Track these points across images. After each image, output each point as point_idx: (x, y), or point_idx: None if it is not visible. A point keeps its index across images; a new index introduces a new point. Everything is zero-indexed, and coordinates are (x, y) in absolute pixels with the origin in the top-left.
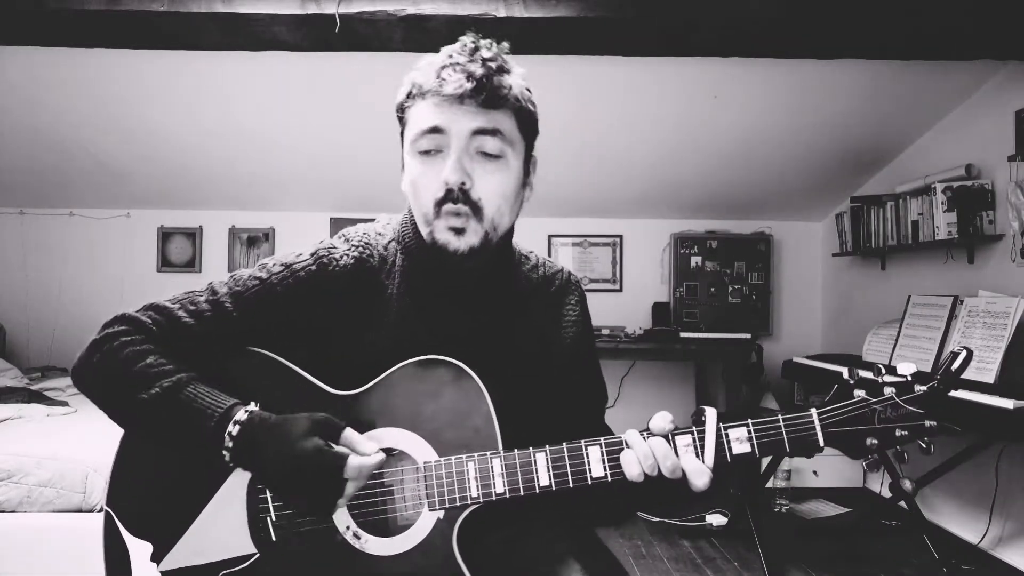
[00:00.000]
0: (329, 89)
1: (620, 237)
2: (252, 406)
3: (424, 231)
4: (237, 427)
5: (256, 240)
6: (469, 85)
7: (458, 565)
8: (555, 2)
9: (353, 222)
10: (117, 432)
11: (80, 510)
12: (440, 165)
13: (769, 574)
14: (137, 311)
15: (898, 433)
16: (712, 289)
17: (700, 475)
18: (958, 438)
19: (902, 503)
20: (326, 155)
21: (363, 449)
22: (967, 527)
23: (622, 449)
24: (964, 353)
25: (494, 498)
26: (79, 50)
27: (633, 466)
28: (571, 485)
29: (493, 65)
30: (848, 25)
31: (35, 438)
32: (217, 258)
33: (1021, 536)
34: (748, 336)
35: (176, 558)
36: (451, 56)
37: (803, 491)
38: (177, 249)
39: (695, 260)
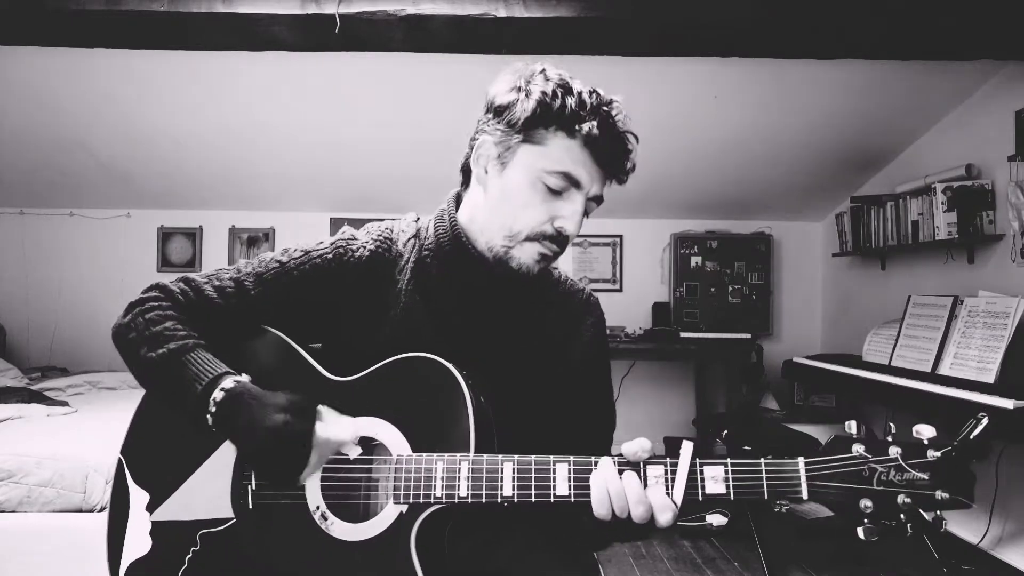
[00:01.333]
0: (329, 89)
1: (620, 237)
2: (242, 377)
3: (495, 241)
4: (223, 394)
5: (256, 240)
6: (618, 159)
7: (412, 562)
8: (555, 2)
9: (353, 222)
10: (117, 432)
11: (80, 510)
12: (557, 203)
13: (769, 574)
14: (171, 282)
15: (900, 500)
16: (712, 289)
17: (664, 511)
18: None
19: None
20: (326, 155)
21: (334, 424)
22: (967, 527)
23: (591, 470)
24: (985, 421)
25: (456, 501)
26: (79, 50)
27: (602, 507)
28: (533, 500)
29: (634, 141)
30: (848, 25)
31: (35, 438)
32: (217, 258)
33: (1021, 536)
34: (748, 336)
35: (166, 511)
36: (605, 109)
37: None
38: (177, 249)
39: (695, 260)
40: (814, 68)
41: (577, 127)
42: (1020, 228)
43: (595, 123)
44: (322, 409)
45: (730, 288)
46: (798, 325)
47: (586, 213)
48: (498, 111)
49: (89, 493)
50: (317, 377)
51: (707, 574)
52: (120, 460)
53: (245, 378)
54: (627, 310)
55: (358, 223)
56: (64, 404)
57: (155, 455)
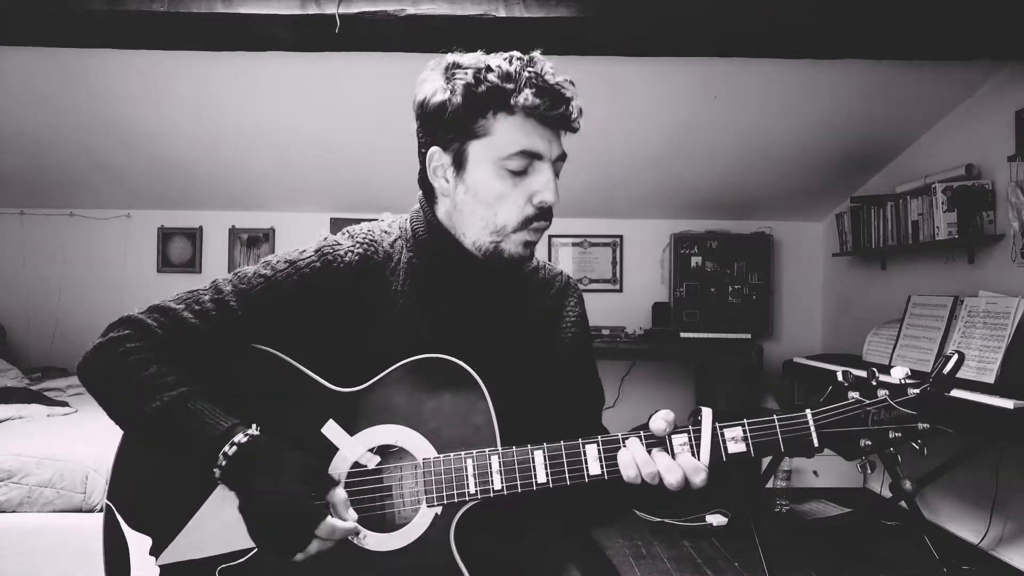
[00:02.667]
0: (329, 89)
1: (620, 237)
2: (253, 429)
3: (483, 239)
4: (234, 448)
5: (256, 240)
6: (565, 113)
7: (455, 561)
8: (555, 2)
9: (353, 222)
10: (117, 433)
11: (80, 510)
12: (527, 181)
13: (769, 574)
14: (141, 313)
15: (891, 435)
16: (712, 289)
17: (697, 473)
18: (958, 438)
19: (902, 503)
20: (326, 155)
21: (342, 513)
22: (967, 527)
23: (619, 448)
24: (956, 356)
25: (492, 495)
26: (79, 50)
27: (630, 468)
28: (568, 483)
29: (570, 86)
30: (848, 25)
31: (35, 438)
32: (217, 258)
33: (1021, 536)
34: (748, 336)
35: (175, 552)
36: (530, 71)
37: (803, 491)
38: (177, 249)
39: (695, 260)
40: (814, 68)
41: (512, 102)
42: (1020, 228)
43: (528, 90)
44: (337, 490)
45: (730, 288)
46: (798, 325)
47: (557, 174)
48: (432, 118)
49: (89, 493)
50: (323, 391)
51: (707, 574)
52: (109, 506)
53: (255, 430)
54: (627, 310)
55: (358, 223)
56: (64, 404)
57: (150, 495)
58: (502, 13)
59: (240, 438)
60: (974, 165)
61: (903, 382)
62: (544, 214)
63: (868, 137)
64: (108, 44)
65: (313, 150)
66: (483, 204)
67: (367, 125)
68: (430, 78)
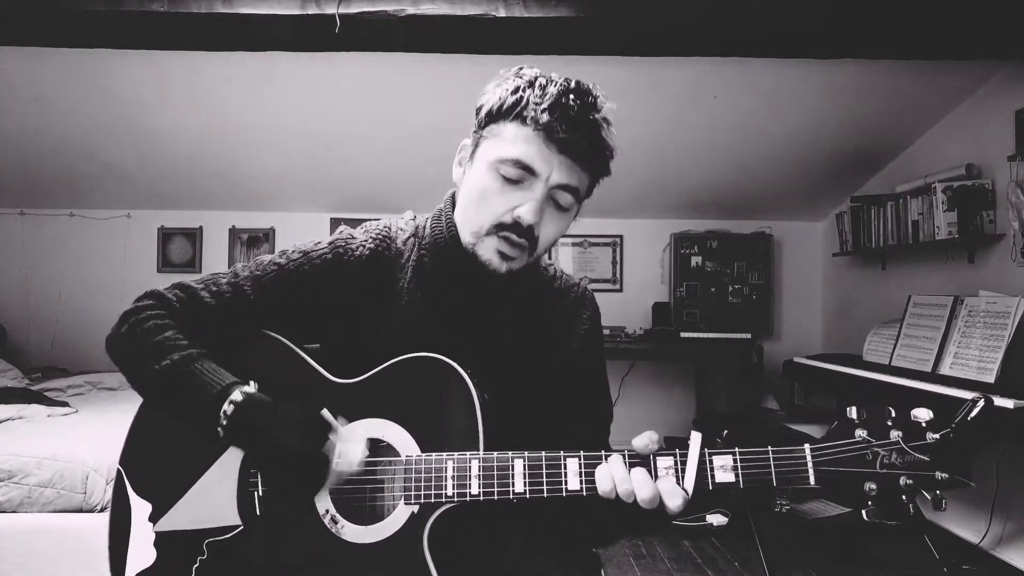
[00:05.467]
0: (329, 89)
1: (620, 237)
2: (250, 387)
3: (467, 238)
4: (232, 406)
5: (256, 240)
6: (581, 143)
7: (426, 562)
8: (555, 2)
9: (353, 222)
10: (117, 433)
11: (80, 510)
12: (516, 194)
13: (769, 574)
14: (165, 288)
15: (902, 482)
16: (712, 289)
17: (674, 496)
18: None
19: None
20: (326, 155)
21: (351, 439)
22: (967, 527)
23: (600, 464)
24: (982, 403)
25: (468, 499)
26: (80, 50)
27: (605, 482)
28: (545, 495)
29: (605, 126)
30: (848, 25)
31: (36, 438)
32: (217, 258)
33: (1021, 536)
34: (748, 336)
35: (170, 521)
36: (567, 97)
37: (803, 491)
38: (177, 249)
39: (695, 260)
40: (814, 68)
41: (527, 114)
42: (1020, 228)
43: (548, 109)
44: (338, 428)
45: (730, 288)
46: (798, 325)
47: (560, 206)
48: (476, 113)
49: (89, 493)
50: (321, 380)
51: (707, 574)
52: (119, 471)
53: (253, 387)
54: (627, 310)
55: (358, 223)
56: (64, 404)
57: (155, 465)
58: (502, 13)
59: (236, 396)
60: (974, 165)
61: (925, 424)
62: (516, 228)
63: (868, 137)
64: (108, 44)
65: (313, 150)
66: (470, 199)
67: (367, 125)
68: (493, 82)
